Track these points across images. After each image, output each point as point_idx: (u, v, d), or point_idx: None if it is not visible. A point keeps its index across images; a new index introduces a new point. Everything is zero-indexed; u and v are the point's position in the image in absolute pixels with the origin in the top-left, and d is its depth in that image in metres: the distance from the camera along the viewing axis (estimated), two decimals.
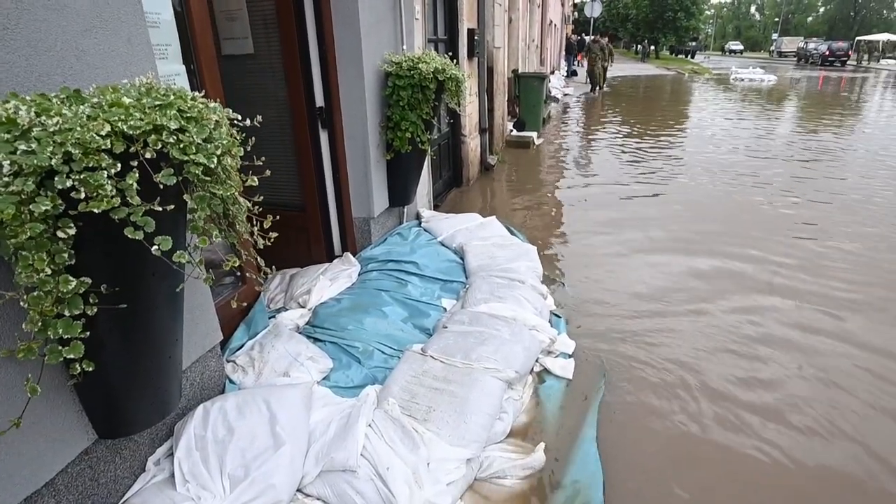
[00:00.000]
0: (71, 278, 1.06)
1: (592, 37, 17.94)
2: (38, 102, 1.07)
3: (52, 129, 0.99)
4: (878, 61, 34.98)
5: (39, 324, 1.07)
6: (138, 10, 1.54)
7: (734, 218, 4.67)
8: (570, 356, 2.53)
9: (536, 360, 2.40)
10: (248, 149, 1.33)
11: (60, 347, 1.13)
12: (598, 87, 15.77)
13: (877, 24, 52.84)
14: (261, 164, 1.30)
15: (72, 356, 1.13)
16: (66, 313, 1.09)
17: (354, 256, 3.10)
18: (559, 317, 2.87)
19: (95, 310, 1.12)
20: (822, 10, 62.98)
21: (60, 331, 1.10)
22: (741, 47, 59.65)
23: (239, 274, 2.42)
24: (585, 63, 16.98)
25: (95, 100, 1.11)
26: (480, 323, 2.40)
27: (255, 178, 1.30)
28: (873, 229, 4.34)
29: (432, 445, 1.72)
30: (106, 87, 1.16)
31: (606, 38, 16.81)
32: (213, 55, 2.06)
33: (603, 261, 3.77)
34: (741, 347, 2.69)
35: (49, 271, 1.03)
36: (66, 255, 1.05)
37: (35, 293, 1.04)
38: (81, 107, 1.06)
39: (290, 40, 2.82)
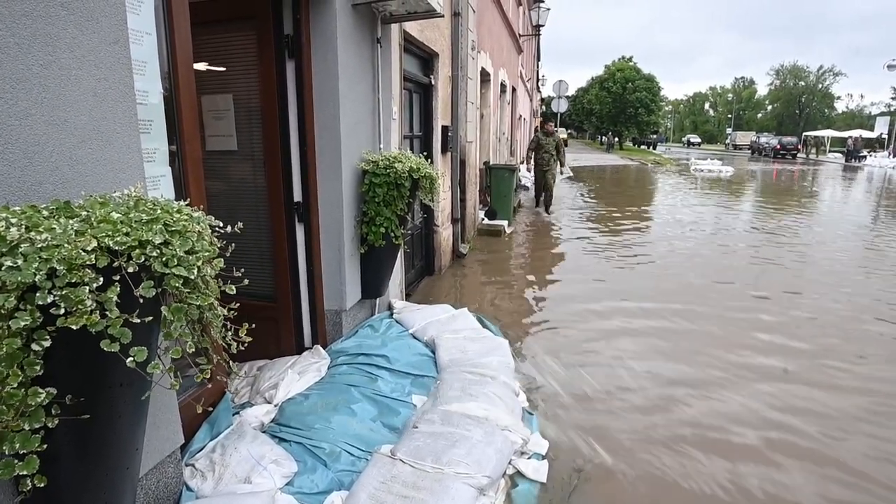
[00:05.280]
0: (40, 390, 1.04)
1: (537, 125, 13.28)
2: (29, 216, 1.10)
3: (40, 245, 1.01)
4: (826, 154, 38.78)
5: None
6: (134, 121, 1.63)
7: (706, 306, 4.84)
8: (543, 457, 2.48)
9: (509, 463, 2.36)
10: (228, 255, 1.38)
11: (15, 462, 1.09)
12: (545, 204, 10.18)
13: (820, 120, 59.06)
14: (240, 275, 1.34)
15: (25, 472, 1.08)
16: (27, 426, 1.06)
17: (325, 349, 3.07)
18: (531, 413, 2.85)
19: (56, 421, 1.09)
20: (769, 107, 68.94)
21: (17, 445, 1.06)
22: (699, 140, 65.25)
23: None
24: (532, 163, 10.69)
25: (85, 213, 1.14)
26: (452, 423, 2.37)
27: (234, 287, 1.33)
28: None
29: None
30: (95, 200, 1.21)
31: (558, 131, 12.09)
32: (199, 157, 2.16)
33: (576, 350, 3.81)
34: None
35: (16, 384, 1.02)
36: (37, 367, 1.03)
37: None
38: (71, 221, 1.10)
39: (273, 139, 2.98)
